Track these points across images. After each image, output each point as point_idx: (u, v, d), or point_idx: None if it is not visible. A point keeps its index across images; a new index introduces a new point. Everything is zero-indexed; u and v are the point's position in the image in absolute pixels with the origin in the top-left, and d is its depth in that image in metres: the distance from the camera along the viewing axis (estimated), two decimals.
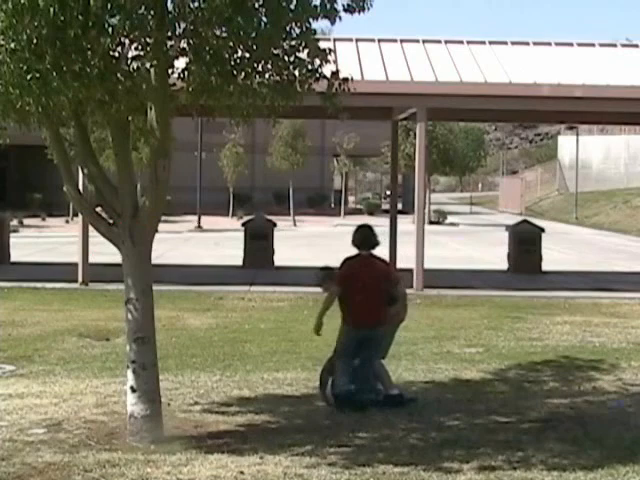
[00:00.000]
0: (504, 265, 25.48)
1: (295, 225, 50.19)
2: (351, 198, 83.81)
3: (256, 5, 7.40)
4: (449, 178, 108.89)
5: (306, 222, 52.89)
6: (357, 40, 22.50)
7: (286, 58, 7.81)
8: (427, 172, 46.61)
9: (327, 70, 8.07)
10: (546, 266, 24.97)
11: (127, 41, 7.51)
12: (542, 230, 25.77)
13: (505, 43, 23.20)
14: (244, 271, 24.14)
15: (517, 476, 7.36)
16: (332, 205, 70.92)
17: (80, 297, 18.49)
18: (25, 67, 7.09)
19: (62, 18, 6.93)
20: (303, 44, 7.74)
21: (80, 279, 20.39)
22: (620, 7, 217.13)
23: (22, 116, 7.74)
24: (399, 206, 36.23)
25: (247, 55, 7.68)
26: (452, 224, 55.50)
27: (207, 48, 7.52)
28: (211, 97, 7.86)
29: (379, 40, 22.68)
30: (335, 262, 10.09)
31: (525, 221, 27.18)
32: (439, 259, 26.21)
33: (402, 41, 22.66)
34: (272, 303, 18.07)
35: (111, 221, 8.31)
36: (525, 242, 25.16)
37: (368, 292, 9.54)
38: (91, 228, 9.37)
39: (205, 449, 7.90)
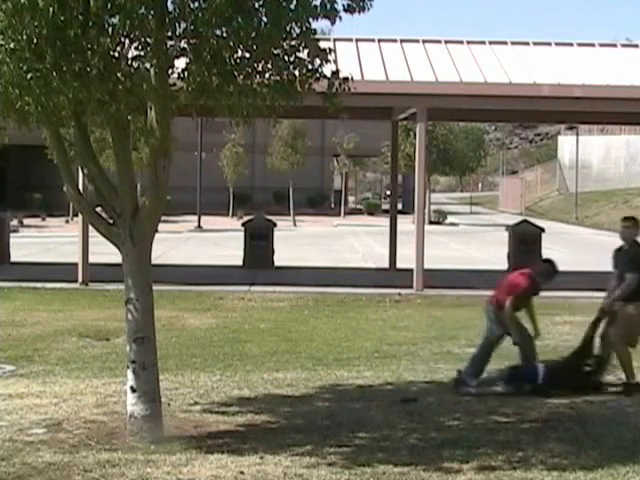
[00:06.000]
0: (504, 265, 25.43)
1: (295, 225, 50.16)
2: (351, 198, 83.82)
3: (256, 5, 7.41)
4: (449, 178, 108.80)
5: (306, 222, 52.86)
6: (357, 40, 22.50)
7: (286, 58, 7.81)
8: (427, 172, 46.59)
9: (327, 70, 8.08)
10: None
11: (127, 41, 7.51)
12: (542, 230, 25.76)
13: (505, 43, 23.19)
14: (244, 271, 24.13)
15: (517, 476, 7.36)
16: (332, 205, 70.87)
17: (80, 297, 18.48)
18: (25, 67, 7.09)
19: (62, 18, 6.94)
20: (303, 44, 7.74)
21: (80, 279, 20.39)
22: (620, 7, 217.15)
23: (22, 116, 7.74)
24: (399, 206, 36.27)
25: (247, 55, 7.69)
26: (452, 224, 55.46)
27: (207, 48, 7.53)
28: (211, 97, 7.86)
29: (379, 40, 22.69)
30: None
31: (525, 221, 27.16)
32: (439, 259, 26.19)
33: (402, 41, 22.67)
34: (272, 303, 18.06)
35: (111, 221, 8.32)
36: (525, 242, 25.14)
37: None
38: (91, 228, 9.37)
39: (205, 449, 7.90)
